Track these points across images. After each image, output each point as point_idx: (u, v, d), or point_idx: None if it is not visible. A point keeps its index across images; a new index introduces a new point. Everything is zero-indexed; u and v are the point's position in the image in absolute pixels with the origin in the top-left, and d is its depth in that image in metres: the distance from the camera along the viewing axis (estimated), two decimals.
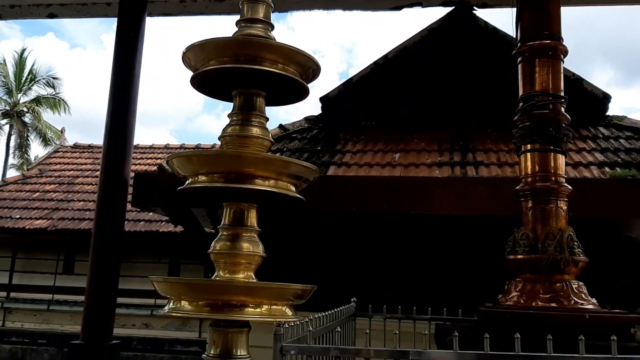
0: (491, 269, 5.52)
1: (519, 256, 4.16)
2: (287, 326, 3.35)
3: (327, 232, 6.92)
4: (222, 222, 1.44)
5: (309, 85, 1.60)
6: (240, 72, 1.46)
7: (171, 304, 1.32)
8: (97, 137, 53.33)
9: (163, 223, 11.83)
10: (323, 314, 4.29)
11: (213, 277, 1.42)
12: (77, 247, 12.88)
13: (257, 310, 1.29)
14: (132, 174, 7.25)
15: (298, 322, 3.55)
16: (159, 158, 14.93)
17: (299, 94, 1.58)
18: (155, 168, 11.92)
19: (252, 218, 1.46)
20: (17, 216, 12.54)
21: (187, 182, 1.42)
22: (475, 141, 6.80)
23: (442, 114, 7.37)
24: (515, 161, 5.66)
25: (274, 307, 1.32)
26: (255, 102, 1.53)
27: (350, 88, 7.44)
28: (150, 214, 12.24)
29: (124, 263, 7.50)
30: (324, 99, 7.57)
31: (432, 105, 7.42)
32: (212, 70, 1.45)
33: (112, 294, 6.58)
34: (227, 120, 1.52)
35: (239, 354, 1.37)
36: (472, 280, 6.48)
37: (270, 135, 1.50)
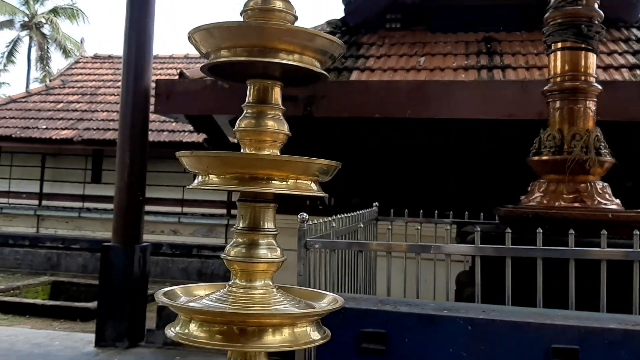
0: (515, 174, 5.51)
1: (544, 157, 4.13)
2: (311, 223, 3.43)
3: (350, 138, 6.91)
4: (247, 100, 1.43)
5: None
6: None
7: (200, 178, 1.34)
8: (116, 48, 52.86)
9: (187, 133, 11.91)
10: (346, 215, 4.37)
11: (230, 283, 1.45)
12: (103, 157, 13.13)
13: (284, 183, 1.30)
14: (154, 84, 7.23)
15: (322, 221, 3.63)
16: (178, 68, 14.79)
17: None
18: (176, 77, 11.83)
19: (277, 95, 1.44)
20: (44, 126, 12.72)
21: (210, 57, 1.39)
22: (503, 44, 6.57)
23: (469, 16, 7.09)
24: (544, 64, 5.47)
25: (299, 181, 1.33)
26: None
27: None
28: (174, 124, 12.31)
29: (150, 173, 7.66)
30: (347, 2, 7.31)
31: (459, 6, 7.13)
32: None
33: (139, 197, 6.78)
34: None
35: (266, 227, 1.39)
36: (495, 185, 6.48)
37: (294, 10, 1.45)
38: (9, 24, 28.83)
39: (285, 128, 1.44)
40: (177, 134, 12.07)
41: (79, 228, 13.03)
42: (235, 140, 1.46)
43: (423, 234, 5.61)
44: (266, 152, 1.41)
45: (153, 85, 7.00)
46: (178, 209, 12.80)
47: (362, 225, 3.74)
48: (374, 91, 5.94)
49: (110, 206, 8.35)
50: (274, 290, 1.37)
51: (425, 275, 4.41)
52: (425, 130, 6.43)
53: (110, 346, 6.36)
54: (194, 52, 16.47)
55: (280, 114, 1.45)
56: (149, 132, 7.65)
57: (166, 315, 6.74)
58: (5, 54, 29.39)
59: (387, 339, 2.49)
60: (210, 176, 1.32)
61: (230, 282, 1.40)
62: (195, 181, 1.36)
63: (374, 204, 5.77)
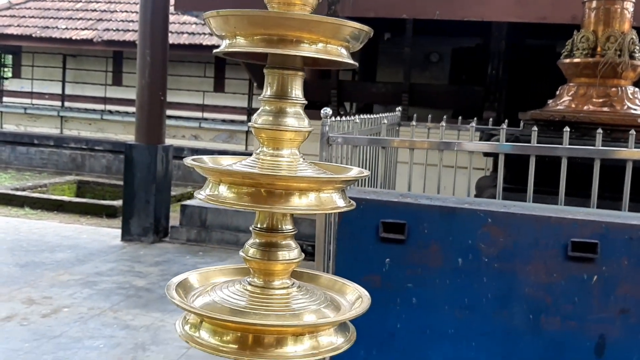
0: (545, 82, 5.36)
1: (576, 59, 3.99)
2: (334, 119, 3.41)
3: (376, 40, 6.72)
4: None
5: None
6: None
7: (227, 41, 1.30)
8: None
9: (207, 36, 11.69)
10: (369, 116, 4.33)
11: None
12: (124, 58, 13.03)
13: (313, 47, 1.25)
14: None
15: (345, 119, 3.60)
16: None
17: None
18: None
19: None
20: (63, 26, 12.56)
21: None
22: None
23: None
24: None
25: (329, 45, 1.28)
26: None
27: None
28: (194, 26, 12.07)
29: (170, 76, 7.60)
30: None
31: None
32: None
33: (161, 97, 6.78)
34: None
35: (294, 95, 1.37)
36: (522, 92, 6.34)
37: None
38: None
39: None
40: (197, 36, 11.86)
41: (101, 130, 13.19)
42: None
43: (445, 139, 5.59)
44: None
45: None
46: (199, 114, 12.83)
47: (385, 122, 3.70)
48: None
49: (132, 109, 8.36)
50: (301, 159, 1.37)
51: (445, 182, 4.43)
52: (453, 32, 6.22)
53: (135, 240, 6.60)
54: None
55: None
56: (169, 34, 7.52)
57: (189, 214, 6.94)
58: None
59: (407, 229, 2.53)
60: (237, 38, 1.28)
61: (257, 150, 1.39)
62: (222, 45, 1.32)
63: (397, 109, 5.70)
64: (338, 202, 1.35)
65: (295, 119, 1.39)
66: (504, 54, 6.37)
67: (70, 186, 10.63)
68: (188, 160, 1.41)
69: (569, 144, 2.95)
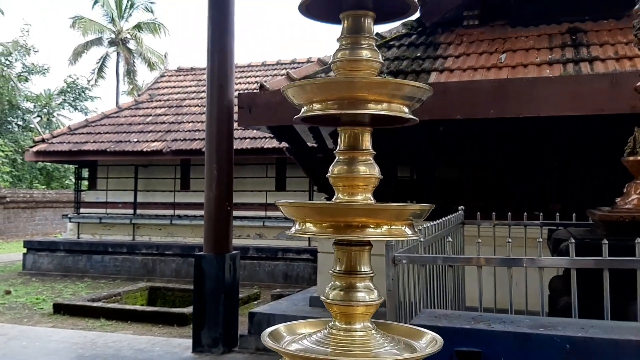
0: (607, 172, 5.26)
1: None
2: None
3: (430, 141, 6.84)
4: (338, 147, 1.48)
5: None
6: None
7: (297, 225, 1.41)
8: (196, 57, 54.81)
9: (267, 139, 12.20)
10: (431, 223, 4.35)
11: (333, 200, 1.48)
12: (191, 165, 13.72)
13: (378, 230, 1.35)
14: (235, 93, 7.49)
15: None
16: (257, 76, 15.18)
17: (407, 9, 1.54)
18: (255, 86, 12.15)
19: (367, 141, 1.49)
20: (135, 140, 13.46)
21: (303, 110, 1.46)
22: (590, 34, 6.27)
23: (551, 6, 6.82)
24: (636, 54, 5.19)
25: (393, 226, 1.37)
26: (363, 23, 1.51)
27: None
28: (254, 131, 12.65)
29: (235, 179, 7.93)
30: (421, 2, 7.23)
31: None
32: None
33: (227, 208, 7.04)
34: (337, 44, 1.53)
35: (362, 270, 1.44)
36: (586, 184, 6.21)
37: (380, 57, 1.49)
38: (98, 41, 30.69)
39: (376, 172, 1.48)
40: (258, 140, 12.40)
41: (171, 234, 13.69)
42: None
43: (513, 235, 5.49)
44: (359, 197, 1.45)
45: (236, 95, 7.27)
46: (262, 213, 13.15)
47: (450, 239, 3.71)
48: (454, 92, 5.85)
49: (199, 212, 8.74)
50: (374, 331, 1.42)
51: (517, 278, 4.33)
52: (509, 129, 6.26)
53: (206, 352, 6.66)
54: (270, 59, 16.84)
55: (372, 159, 1.49)
56: (233, 141, 7.93)
57: (257, 321, 6.99)
58: (96, 69, 31.33)
59: (482, 358, 2.48)
60: (307, 224, 1.39)
61: (330, 324, 1.45)
62: (293, 228, 1.42)
63: (459, 207, 5.69)
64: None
65: (366, 293, 1.45)
66: (564, 146, 6.33)
67: (142, 293, 10.95)
68: (266, 341, 1.47)
69: None
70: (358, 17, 1.50)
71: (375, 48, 1.51)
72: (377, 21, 1.56)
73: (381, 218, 1.34)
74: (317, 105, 1.42)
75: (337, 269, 1.44)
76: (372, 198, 1.49)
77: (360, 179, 1.45)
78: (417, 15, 7.37)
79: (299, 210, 1.41)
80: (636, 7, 4.11)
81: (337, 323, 1.41)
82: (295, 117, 1.50)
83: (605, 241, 2.95)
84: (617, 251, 3.03)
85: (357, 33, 1.49)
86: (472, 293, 4.99)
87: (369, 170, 1.46)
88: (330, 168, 1.50)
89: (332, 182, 1.49)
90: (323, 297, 1.44)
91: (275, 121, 6.80)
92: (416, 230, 1.44)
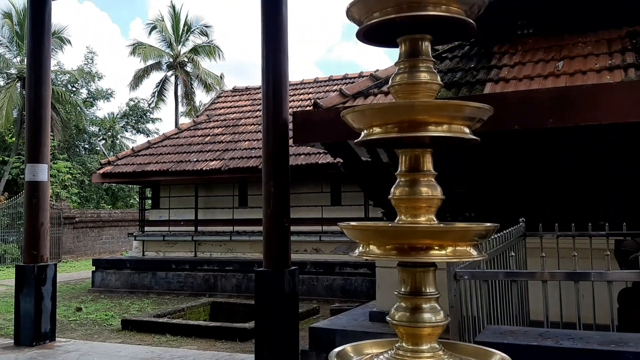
0: None
1: None
2: None
3: (488, 153, 6.74)
4: (399, 169, 1.51)
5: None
6: (404, 20, 1.48)
7: (361, 247, 1.44)
8: (250, 77, 55.95)
9: (321, 155, 12.32)
10: (493, 236, 4.28)
11: (396, 221, 1.50)
12: (248, 183, 14.00)
13: (442, 252, 1.36)
14: (290, 111, 7.63)
15: None
16: (310, 92, 15.37)
17: (465, 31, 1.56)
18: (308, 103, 12.30)
19: (428, 162, 1.51)
20: (195, 159, 13.87)
21: (363, 134, 1.50)
22: None
23: (609, 9, 6.62)
24: None
25: (458, 247, 1.38)
26: (420, 47, 1.54)
27: None
28: (309, 148, 12.79)
29: (291, 195, 8.05)
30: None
31: (596, 2, 6.69)
32: (377, 23, 1.48)
33: (285, 224, 7.14)
34: (395, 67, 1.57)
35: (427, 291, 1.46)
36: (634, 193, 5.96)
37: (438, 78, 1.52)
38: (157, 66, 31.88)
39: (438, 193, 1.50)
40: (312, 156, 12.53)
41: (230, 250, 13.97)
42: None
43: (577, 247, 5.32)
44: (422, 219, 1.47)
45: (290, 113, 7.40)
46: (318, 228, 13.24)
47: (513, 254, 3.64)
48: (511, 102, 5.75)
49: (258, 228, 8.90)
50: (441, 352, 1.43)
51: (584, 291, 4.19)
52: (570, 138, 6.09)
53: None
54: (322, 76, 17.03)
55: (433, 180, 1.51)
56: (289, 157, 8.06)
57: (318, 336, 7.02)
58: (156, 92, 32.51)
59: None
60: (371, 247, 1.42)
61: (397, 345, 1.47)
62: (357, 250, 1.46)
63: (520, 219, 5.57)
64: None
65: (432, 314, 1.46)
66: (629, 152, 6.10)
67: (205, 308, 11.20)
68: None
69: None
70: (415, 40, 1.53)
71: (434, 70, 1.54)
72: (434, 43, 1.58)
73: (445, 240, 1.36)
74: (377, 129, 1.46)
75: (402, 290, 1.46)
76: (435, 219, 1.50)
77: (423, 200, 1.47)
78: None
79: (363, 233, 1.44)
80: None
81: (404, 344, 1.43)
82: (356, 140, 1.54)
83: None
84: None
85: (414, 56, 1.53)
86: (536, 307, 4.86)
87: (431, 191, 1.48)
88: (392, 190, 1.52)
89: (394, 203, 1.51)
90: (389, 318, 1.46)
91: (329, 138, 6.87)
92: (481, 250, 1.45)
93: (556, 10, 6.83)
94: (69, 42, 29.85)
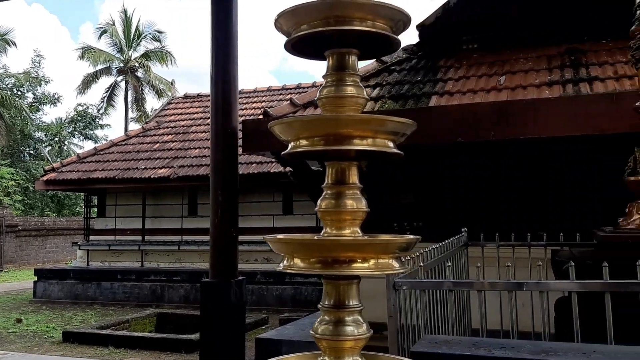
0: (609, 191, 5.25)
1: None
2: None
3: (432, 165, 6.87)
4: (325, 182, 1.52)
5: (400, 37, 1.59)
6: (331, 33, 1.49)
7: (285, 261, 1.43)
8: (203, 84, 55.47)
9: (274, 164, 12.27)
10: (434, 246, 4.35)
11: (322, 234, 1.50)
12: (198, 191, 13.80)
13: (365, 264, 1.37)
14: (240, 119, 7.58)
15: (409, 257, 3.64)
16: (263, 101, 15.34)
17: (390, 46, 1.59)
18: (260, 111, 12.28)
19: (354, 175, 1.52)
20: (143, 167, 13.59)
21: (290, 146, 1.50)
22: (589, 55, 6.31)
23: (549, 27, 6.88)
24: (636, 73, 5.21)
25: (380, 260, 1.39)
26: (347, 61, 1.55)
27: (448, 12, 7.12)
28: (260, 157, 12.74)
29: (242, 204, 7.98)
30: (420, 27, 7.32)
31: (537, 19, 6.94)
32: (304, 36, 1.49)
33: (233, 234, 7.06)
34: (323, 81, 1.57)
35: (351, 304, 1.46)
36: (588, 204, 6.20)
37: (364, 92, 1.54)
38: (107, 70, 31.18)
39: (363, 205, 1.51)
40: (264, 165, 12.47)
41: (179, 260, 13.72)
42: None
43: (517, 256, 5.47)
44: (347, 231, 1.48)
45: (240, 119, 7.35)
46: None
47: (450, 264, 3.70)
48: (455, 116, 5.89)
49: (207, 238, 8.77)
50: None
51: (524, 300, 4.30)
52: (510, 150, 6.28)
53: None
54: (275, 84, 17.03)
55: (359, 192, 1.52)
56: (239, 166, 7.99)
57: (265, 347, 6.96)
58: (105, 98, 31.76)
59: None
60: (295, 260, 1.41)
61: (320, 358, 1.47)
62: (281, 264, 1.45)
63: (463, 229, 5.69)
64: None
65: (354, 327, 1.47)
66: (566, 165, 6.34)
67: (150, 320, 10.94)
68: None
69: None
70: (342, 54, 1.54)
71: (360, 84, 1.55)
72: (361, 57, 1.60)
73: (368, 252, 1.36)
74: (303, 142, 1.46)
75: (326, 303, 1.46)
76: (359, 232, 1.51)
77: (348, 213, 1.47)
78: (417, 39, 7.46)
79: (287, 246, 1.43)
80: (633, 27, 4.15)
81: (327, 358, 1.42)
82: (283, 153, 1.53)
83: (606, 263, 2.95)
84: (619, 272, 3.02)
85: (341, 70, 1.54)
86: (478, 315, 4.97)
87: (356, 204, 1.49)
88: (318, 202, 1.52)
89: (320, 216, 1.52)
90: (312, 332, 1.46)
91: (278, 147, 6.81)
92: (404, 262, 1.46)
93: (499, 26, 7.05)
94: (14, 44, 28.85)
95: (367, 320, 1.45)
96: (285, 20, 1.52)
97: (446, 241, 4.68)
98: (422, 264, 3.45)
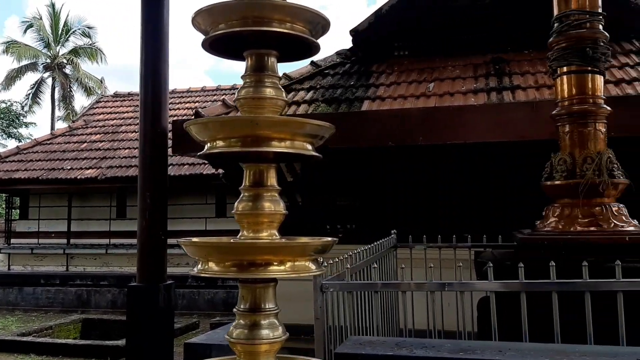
0: (530, 195, 5.48)
1: (557, 182, 4.12)
2: (326, 264, 3.48)
3: (363, 168, 6.96)
4: (243, 184, 1.50)
5: (320, 40, 1.59)
6: (249, 34, 1.47)
7: (200, 265, 1.41)
8: (135, 83, 53.95)
9: (206, 165, 12.08)
10: (363, 248, 4.40)
11: (238, 237, 1.48)
12: (127, 193, 13.38)
13: (281, 267, 1.36)
14: (172, 119, 7.41)
15: (337, 259, 3.67)
16: (197, 102, 15.08)
17: (310, 50, 1.59)
18: (193, 112, 12.06)
19: (272, 178, 1.51)
20: (69, 167, 13.04)
21: (206, 147, 1.47)
22: (512, 64, 6.59)
23: (476, 37, 7.13)
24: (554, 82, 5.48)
25: (297, 263, 1.39)
26: (266, 62, 1.54)
27: (380, 18, 7.24)
28: (193, 158, 12.51)
29: (173, 206, 7.83)
30: (354, 32, 7.41)
31: (465, 29, 7.18)
32: (221, 35, 1.46)
33: (162, 237, 6.89)
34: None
35: (267, 307, 1.45)
36: (511, 207, 6.45)
37: (284, 95, 1.53)
38: (33, 66, 29.73)
39: (281, 208, 1.50)
40: (197, 166, 12.26)
41: (106, 264, 13.26)
42: None
43: (443, 257, 5.63)
44: (264, 234, 1.46)
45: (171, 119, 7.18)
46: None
47: (375, 266, 3.76)
48: (385, 120, 5.99)
49: (136, 241, 8.55)
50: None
51: (449, 299, 4.42)
52: (438, 155, 6.45)
53: None
54: (210, 85, 16.78)
55: (277, 195, 1.51)
56: (170, 167, 7.83)
57: (194, 352, 6.82)
58: (31, 95, 30.27)
59: None
60: (210, 263, 1.39)
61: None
62: (195, 268, 1.42)
63: (392, 231, 5.79)
64: None
65: (270, 330, 1.46)
66: (490, 170, 6.58)
67: (75, 326, 10.51)
68: None
69: (562, 271, 2.99)
70: (261, 55, 1.53)
71: (279, 86, 1.54)
72: (280, 60, 1.59)
73: (285, 255, 1.36)
74: (220, 143, 1.44)
75: (242, 307, 1.44)
76: (277, 234, 1.50)
77: (265, 215, 1.46)
78: (350, 44, 7.54)
79: (201, 249, 1.41)
80: (550, 39, 4.36)
81: None
82: (199, 154, 1.51)
83: (522, 264, 3.07)
84: (536, 273, 3.16)
85: (260, 71, 1.53)
86: (404, 316, 5.06)
87: (274, 206, 1.48)
88: (235, 205, 1.50)
89: (237, 219, 1.50)
90: (227, 337, 1.44)
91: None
92: (320, 264, 1.46)
93: (428, 35, 7.24)
94: None
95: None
96: (202, 19, 1.50)
97: (375, 243, 4.74)
98: (349, 265, 3.48)
